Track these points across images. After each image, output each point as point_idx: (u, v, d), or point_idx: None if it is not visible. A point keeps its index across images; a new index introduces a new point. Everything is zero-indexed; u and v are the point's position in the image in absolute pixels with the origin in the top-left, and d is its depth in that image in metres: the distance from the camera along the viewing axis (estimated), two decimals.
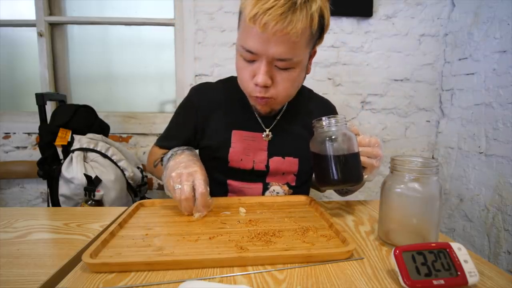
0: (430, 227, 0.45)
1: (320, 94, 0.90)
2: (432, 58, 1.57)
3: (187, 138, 0.80)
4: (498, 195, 1.22)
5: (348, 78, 1.56)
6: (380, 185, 0.50)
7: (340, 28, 1.52)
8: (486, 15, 1.30)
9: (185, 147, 0.69)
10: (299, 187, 0.80)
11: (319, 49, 1.63)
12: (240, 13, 0.62)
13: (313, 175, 0.88)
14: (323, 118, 0.54)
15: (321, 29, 0.63)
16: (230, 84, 0.82)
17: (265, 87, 0.63)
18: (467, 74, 1.40)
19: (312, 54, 0.69)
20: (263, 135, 0.77)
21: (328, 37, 1.52)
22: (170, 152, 0.67)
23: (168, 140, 0.81)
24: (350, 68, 1.56)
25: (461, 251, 0.37)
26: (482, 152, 1.30)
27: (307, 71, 0.71)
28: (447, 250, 0.37)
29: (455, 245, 0.38)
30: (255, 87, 0.64)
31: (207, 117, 0.79)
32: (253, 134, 0.77)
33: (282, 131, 0.78)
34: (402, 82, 1.58)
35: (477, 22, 1.35)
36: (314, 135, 0.57)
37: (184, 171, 0.58)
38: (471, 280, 0.35)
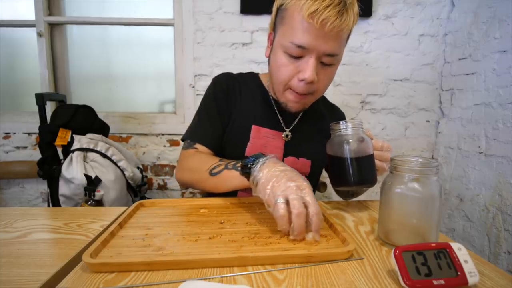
0: (430, 227, 0.45)
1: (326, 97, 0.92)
2: (431, 58, 1.57)
3: (224, 125, 0.78)
4: (498, 195, 1.22)
5: (348, 78, 1.56)
6: (380, 185, 0.50)
7: None
8: (486, 15, 1.30)
9: (271, 155, 0.57)
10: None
11: None
12: (280, 10, 0.65)
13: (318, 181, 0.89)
14: (341, 122, 0.56)
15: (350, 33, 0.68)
16: (251, 78, 0.83)
17: (311, 83, 0.64)
18: (467, 74, 1.40)
19: None
20: (283, 135, 0.78)
21: None
22: (250, 159, 0.56)
23: (205, 132, 0.77)
24: (349, 68, 1.56)
25: (461, 251, 0.37)
26: (482, 152, 1.30)
27: None
28: (447, 250, 0.37)
29: (455, 245, 0.38)
30: (299, 83, 0.65)
31: (233, 103, 0.79)
32: (273, 132, 0.78)
33: (299, 132, 0.80)
34: (401, 82, 1.58)
35: (477, 22, 1.35)
36: (331, 138, 0.59)
37: (291, 184, 0.48)
38: (471, 280, 0.35)
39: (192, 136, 0.78)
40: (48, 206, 1.21)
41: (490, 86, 1.27)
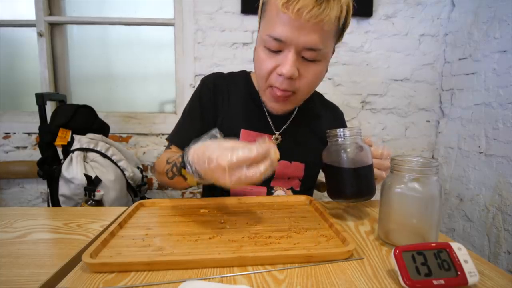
0: (430, 227, 0.45)
1: (322, 94, 0.90)
2: (432, 58, 1.57)
3: (207, 127, 0.71)
4: (498, 195, 1.22)
5: (348, 78, 1.56)
6: (380, 185, 0.50)
7: None
8: (486, 15, 1.30)
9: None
10: (303, 193, 0.78)
11: None
12: (264, 3, 0.63)
13: (316, 181, 0.87)
14: (338, 130, 0.53)
15: (343, 26, 0.63)
16: (242, 78, 0.80)
17: (290, 79, 0.60)
18: (467, 74, 1.40)
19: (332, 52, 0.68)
20: (272, 138, 0.75)
21: None
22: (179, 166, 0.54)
23: (183, 134, 0.75)
24: (350, 68, 1.56)
25: (461, 251, 0.37)
26: (482, 152, 1.30)
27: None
28: (447, 250, 0.37)
29: (455, 245, 0.38)
30: (277, 78, 0.61)
31: (220, 104, 0.76)
32: (261, 135, 0.75)
33: (291, 135, 0.76)
34: (402, 82, 1.58)
35: (477, 22, 1.35)
36: (328, 146, 0.56)
37: (224, 144, 0.45)
38: (471, 280, 0.35)
39: (172, 137, 0.77)
40: (48, 206, 1.21)
41: (490, 86, 1.27)
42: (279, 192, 0.76)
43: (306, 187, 0.79)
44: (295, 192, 0.78)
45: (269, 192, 0.76)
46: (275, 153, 0.45)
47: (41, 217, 0.59)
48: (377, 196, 0.52)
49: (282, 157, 0.75)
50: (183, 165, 0.51)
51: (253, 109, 0.76)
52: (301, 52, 0.59)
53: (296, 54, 0.59)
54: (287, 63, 0.58)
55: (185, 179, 0.54)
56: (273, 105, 0.68)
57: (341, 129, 0.53)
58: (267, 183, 0.76)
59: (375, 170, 0.55)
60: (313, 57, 0.60)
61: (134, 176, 1.26)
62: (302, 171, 0.77)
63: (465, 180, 1.39)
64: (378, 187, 0.57)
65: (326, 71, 0.70)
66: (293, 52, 0.58)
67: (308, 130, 0.78)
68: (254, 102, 0.76)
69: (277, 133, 0.76)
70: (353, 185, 0.52)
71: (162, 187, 1.59)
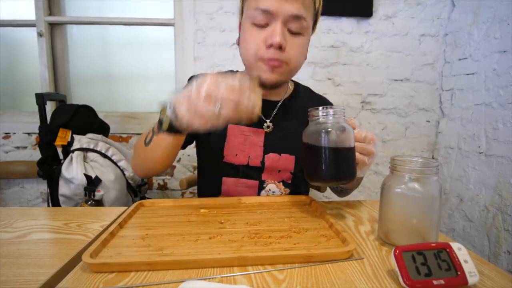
0: (430, 227, 0.45)
1: (320, 94, 0.89)
2: (432, 58, 1.57)
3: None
4: (498, 195, 1.22)
5: (348, 78, 1.56)
6: (380, 185, 0.50)
7: (340, 28, 1.52)
8: (486, 15, 1.30)
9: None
10: (296, 185, 0.78)
11: (319, 49, 1.62)
12: None
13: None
14: (320, 108, 0.51)
15: (317, 13, 0.69)
16: (229, 76, 0.81)
17: (280, 48, 0.63)
18: (467, 74, 1.40)
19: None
20: (264, 126, 0.76)
21: (328, 37, 1.52)
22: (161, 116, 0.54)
23: None
24: (350, 68, 1.56)
25: (461, 251, 0.37)
26: (482, 152, 1.30)
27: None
28: (447, 250, 0.37)
29: (455, 245, 0.38)
30: (268, 50, 0.64)
31: None
32: (250, 129, 0.75)
33: (279, 127, 0.77)
34: (402, 82, 1.58)
35: (477, 22, 1.35)
36: (309, 125, 0.53)
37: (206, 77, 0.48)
38: (471, 280, 0.35)
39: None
40: (48, 206, 1.21)
41: (490, 86, 1.27)
42: (270, 186, 0.76)
43: (298, 179, 0.79)
44: (286, 185, 0.77)
45: (261, 187, 0.76)
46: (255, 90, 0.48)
47: (41, 217, 0.59)
48: (377, 196, 0.52)
49: (271, 149, 0.75)
50: (163, 107, 0.52)
51: None
52: (287, 23, 0.63)
53: (282, 24, 0.63)
54: (276, 32, 0.62)
55: (160, 126, 0.53)
56: (268, 76, 0.67)
57: (323, 107, 0.51)
58: (258, 177, 0.76)
59: (357, 155, 0.53)
60: (298, 29, 0.64)
61: (134, 176, 1.26)
62: (292, 164, 0.76)
63: (465, 180, 1.39)
64: (378, 178, 0.57)
65: (307, 51, 0.74)
66: (280, 23, 0.62)
67: (296, 123, 0.77)
68: None
69: (268, 120, 0.76)
70: (331, 166, 0.49)
71: (162, 187, 1.59)
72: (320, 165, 0.50)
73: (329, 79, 1.56)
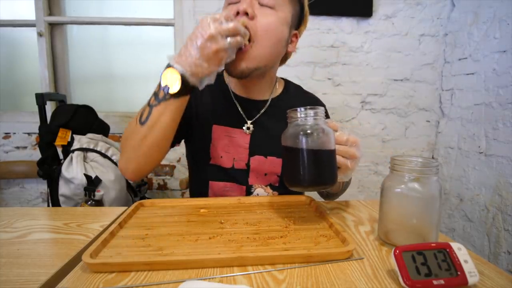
0: (430, 227, 0.45)
1: (320, 94, 0.89)
2: (432, 58, 1.57)
3: (182, 125, 0.68)
4: (498, 195, 1.22)
5: (348, 78, 1.56)
6: (380, 185, 0.50)
7: (340, 28, 1.52)
8: (486, 15, 1.30)
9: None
10: (284, 189, 0.75)
11: (319, 49, 1.62)
12: None
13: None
14: (299, 109, 0.49)
15: (302, 6, 0.70)
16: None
17: (246, 15, 0.62)
18: (467, 74, 1.40)
19: (293, 37, 0.73)
20: (244, 128, 0.73)
21: (328, 37, 1.52)
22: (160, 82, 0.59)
23: None
24: (349, 68, 1.56)
25: (461, 251, 0.37)
26: (482, 152, 1.30)
27: (292, 48, 0.73)
28: (447, 250, 0.37)
29: (455, 245, 0.38)
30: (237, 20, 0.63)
31: (193, 103, 0.74)
32: (235, 130, 0.74)
33: (265, 128, 0.75)
34: (402, 82, 1.58)
35: (477, 22, 1.35)
36: (287, 127, 0.51)
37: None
38: (471, 280, 0.35)
39: None
40: (48, 206, 1.21)
41: (490, 86, 1.27)
42: (258, 190, 0.75)
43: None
44: (274, 188, 0.76)
45: (248, 191, 0.75)
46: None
47: (41, 217, 0.59)
48: (377, 196, 0.52)
49: (257, 151, 0.74)
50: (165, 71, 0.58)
51: (225, 104, 0.76)
52: None
53: None
54: (243, 1, 0.63)
55: (167, 91, 0.56)
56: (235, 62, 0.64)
57: (302, 108, 0.49)
58: (245, 180, 0.75)
59: (339, 158, 0.51)
60: (267, 2, 0.64)
61: None
62: (279, 167, 0.74)
63: (465, 180, 1.39)
64: (379, 178, 0.56)
65: (293, 50, 0.74)
66: None
67: (283, 124, 0.76)
68: (225, 98, 0.76)
69: (249, 122, 0.74)
70: (310, 171, 0.47)
71: (162, 187, 1.59)
72: (298, 169, 0.48)
73: (329, 79, 1.56)
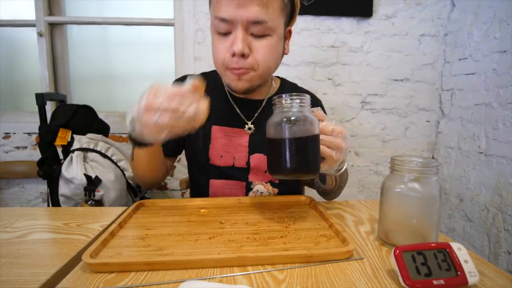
0: (430, 227, 0.45)
1: (320, 94, 0.89)
2: (432, 58, 1.57)
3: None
4: (498, 195, 1.22)
5: (348, 78, 1.56)
6: (380, 185, 0.50)
7: (340, 28, 1.52)
8: (486, 15, 1.30)
9: None
10: (284, 185, 0.77)
11: (319, 49, 1.62)
12: None
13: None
14: (284, 96, 0.48)
15: (292, 4, 0.66)
16: (212, 77, 0.79)
17: (243, 56, 0.61)
18: (467, 74, 1.40)
19: (288, 34, 0.71)
20: (245, 128, 0.75)
21: (328, 37, 1.52)
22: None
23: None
24: (350, 68, 1.56)
25: (461, 251, 0.37)
26: (482, 152, 1.30)
27: (285, 50, 0.71)
28: (447, 250, 0.37)
29: (455, 245, 0.38)
30: (232, 59, 0.62)
31: None
32: (234, 130, 0.75)
33: (262, 126, 0.76)
34: (402, 82, 1.58)
35: (477, 22, 1.35)
36: (272, 115, 0.51)
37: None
38: (471, 280, 0.35)
39: None
40: (48, 206, 1.21)
41: (490, 86, 1.27)
42: (258, 187, 0.76)
43: (291, 182, 0.79)
44: (274, 185, 0.77)
45: (248, 188, 0.76)
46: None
47: (41, 217, 0.59)
48: (377, 196, 0.52)
49: (256, 149, 0.75)
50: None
51: (223, 104, 0.77)
52: (248, 28, 0.61)
53: (244, 31, 0.61)
54: (236, 41, 0.61)
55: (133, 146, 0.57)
56: (236, 84, 0.66)
57: (287, 95, 0.48)
58: (245, 178, 0.76)
59: (325, 148, 0.50)
60: (261, 32, 0.62)
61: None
62: None
63: (465, 180, 1.39)
64: (379, 178, 0.55)
65: (286, 53, 0.72)
66: (240, 30, 0.60)
67: None
68: (223, 98, 0.77)
69: (249, 122, 0.76)
70: (292, 158, 0.46)
71: (162, 187, 1.59)
72: (279, 156, 0.47)
73: (329, 79, 1.56)
